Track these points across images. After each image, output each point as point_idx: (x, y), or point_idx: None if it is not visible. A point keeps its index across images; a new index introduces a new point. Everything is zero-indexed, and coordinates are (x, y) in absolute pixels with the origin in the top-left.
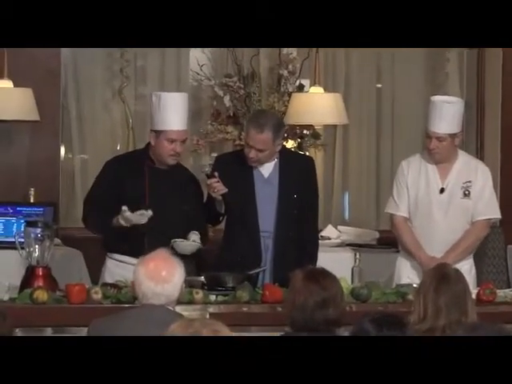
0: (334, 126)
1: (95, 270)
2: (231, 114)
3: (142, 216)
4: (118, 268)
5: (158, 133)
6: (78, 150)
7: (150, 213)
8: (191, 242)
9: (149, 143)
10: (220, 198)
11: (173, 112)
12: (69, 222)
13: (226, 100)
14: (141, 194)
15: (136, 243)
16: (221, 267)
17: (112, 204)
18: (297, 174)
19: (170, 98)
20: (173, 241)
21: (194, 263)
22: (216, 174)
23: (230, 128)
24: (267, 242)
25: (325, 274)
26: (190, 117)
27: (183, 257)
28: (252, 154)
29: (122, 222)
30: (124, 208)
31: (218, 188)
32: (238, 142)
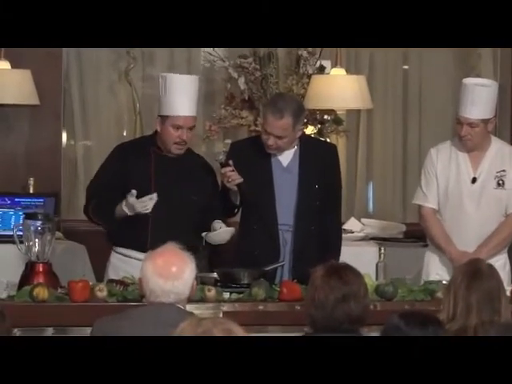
0: (358, 111)
1: (100, 265)
2: (246, 98)
3: (146, 203)
4: (123, 263)
5: (163, 118)
6: (81, 137)
7: (154, 196)
8: (224, 229)
9: (157, 130)
10: (235, 188)
11: (180, 96)
12: (71, 214)
13: (241, 82)
14: (146, 183)
15: (139, 235)
16: (235, 263)
17: (116, 193)
18: (319, 162)
19: (178, 81)
20: (204, 234)
21: (206, 258)
22: (231, 162)
23: (244, 113)
24: (286, 236)
25: (347, 269)
26: (202, 101)
27: (194, 252)
28: (271, 141)
29: (126, 209)
30: (133, 191)
31: (232, 177)
32: (253, 128)
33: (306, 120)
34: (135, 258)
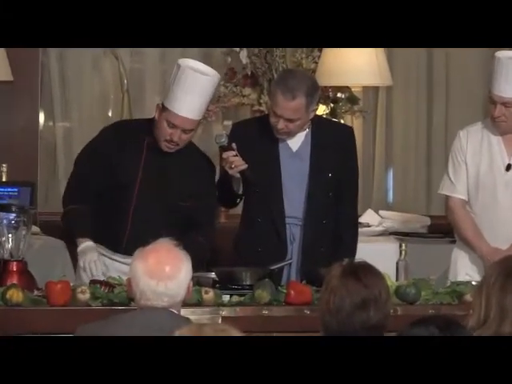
0: (375, 88)
1: None
2: (249, 73)
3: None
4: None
5: (163, 108)
6: (61, 117)
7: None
8: None
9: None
10: (238, 175)
11: (188, 93)
12: (49, 206)
13: (243, 56)
14: (131, 180)
15: (115, 236)
16: (236, 261)
17: (98, 190)
18: (333, 147)
19: (193, 77)
20: None
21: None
22: (234, 145)
23: (247, 90)
24: (294, 231)
25: (367, 269)
26: None
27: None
28: (281, 124)
29: (80, 249)
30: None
31: (236, 163)
32: (257, 108)
33: None
34: (109, 258)
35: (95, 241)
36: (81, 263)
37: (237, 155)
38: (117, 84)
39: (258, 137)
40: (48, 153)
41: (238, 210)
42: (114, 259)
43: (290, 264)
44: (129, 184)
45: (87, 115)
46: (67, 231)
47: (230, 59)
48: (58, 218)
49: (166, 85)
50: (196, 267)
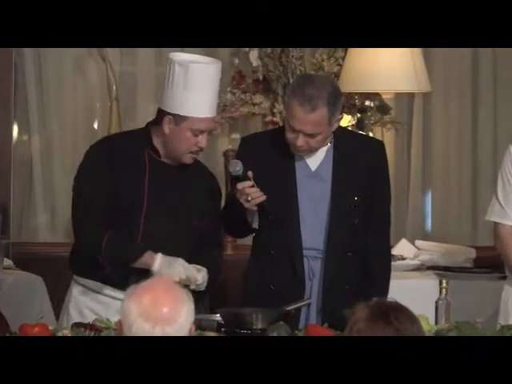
0: (411, 95)
1: (62, 304)
2: (260, 78)
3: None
4: (88, 299)
5: (177, 118)
6: (38, 130)
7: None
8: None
9: (150, 123)
10: (255, 208)
11: (204, 91)
12: (24, 235)
13: (253, 57)
14: (137, 200)
15: (119, 270)
16: (245, 300)
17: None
18: (359, 165)
19: (202, 71)
20: None
21: (206, 296)
22: (250, 173)
23: (258, 98)
24: (313, 265)
25: (398, 311)
26: None
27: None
28: (300, 141)
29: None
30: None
31: (253, 195)
32: (269, 119)
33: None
34: (105, 295)
35: (89, 277)
36: (176, 279)
37: (254, 186)
38: (104, 90)
39: (270, 153)
40: (22, 171)
41: (248, 239)
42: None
43: (309, 304)
44: (134, 206)
45: (69, 127)
46: (117, 260)
47: (237, 61)
48: (34, 248)
49: (168, 91)
50: (208, 285)
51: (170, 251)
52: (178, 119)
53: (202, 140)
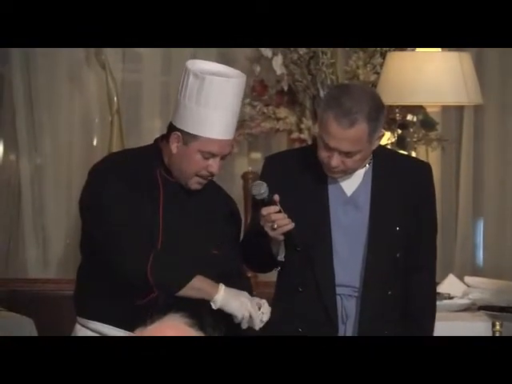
0: (460, 109)
1: None
2: (285, 88)
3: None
4: None
5: (187, 136)
6: (28, 149)
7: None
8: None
9: (158, 139)
10: (282, 237)
11: (221, 109)
12: (12, 271)
13: (277, 64)
14: (153, 228)
15: (130, 308)
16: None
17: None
18: (402, 190)
19: (220, 85)
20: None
21: (223, 331)
22: (276, 197)
23: (283, 111)
24: (348, 305)
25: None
26: None
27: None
28: (335, 161)
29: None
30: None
31: (280, 223)
32: (296, 135)
33: None
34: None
35: (101, 320)
36: (240, 316)
37: (280, 211)
38: (104, 102)
39: (300, 175)
40: (9, 197)
41: (271, 275)
42: None
43: None
44: (150, 234)
45: (63, 146)
46: (168, 281)
47: (258, 68)
48: (23, 286)
49: (179, 104)
50: None
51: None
52: (188, 138)
53: (214, 164)
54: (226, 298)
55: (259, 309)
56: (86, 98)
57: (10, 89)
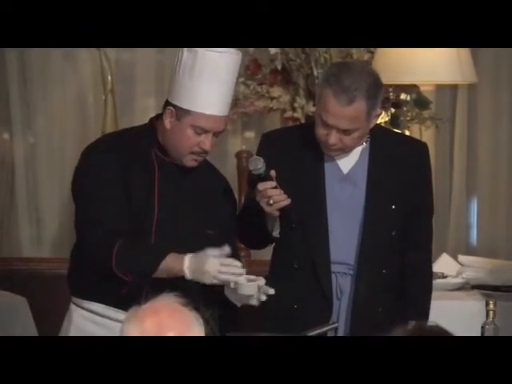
0: (454, 88)
1: (50, 328)
2: (278, 68)
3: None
4: (95, 326)
5: (180, 111)
6: (21, 128)
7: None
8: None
9: (153, 119)
10: (277, 213)
11: (214, 83)
12: (6, 250)
13: None
14: (147, 209)
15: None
16: (264, 323)
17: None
18: (398, 169)
19: (213, 59)
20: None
21: (217, 317)
22: (273, 173)
23: (276, 90)
24: (342, 282)
25: (440, 336)
26: None
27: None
28: (333, 138)
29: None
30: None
31: (276, 198)
32: (289, 114)
33: None
34: (114, 320)
35: (95, 299)
36: (209, 279)
37: (277, 187)
38: (97, 82)
39: (297, 152)
40: (3, 177)
41: (264, 254)
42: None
43: (336, 328)
44: (145, 215)
45: (57, 125)
46: (138, 264)
47: (252, 48)
48: (17, 265)
49: (174, 79)
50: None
51: None
52: (181, 113)
53: (206, 141)
54: (191, 270)
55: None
56: (80, 77)
57: (4, 68)
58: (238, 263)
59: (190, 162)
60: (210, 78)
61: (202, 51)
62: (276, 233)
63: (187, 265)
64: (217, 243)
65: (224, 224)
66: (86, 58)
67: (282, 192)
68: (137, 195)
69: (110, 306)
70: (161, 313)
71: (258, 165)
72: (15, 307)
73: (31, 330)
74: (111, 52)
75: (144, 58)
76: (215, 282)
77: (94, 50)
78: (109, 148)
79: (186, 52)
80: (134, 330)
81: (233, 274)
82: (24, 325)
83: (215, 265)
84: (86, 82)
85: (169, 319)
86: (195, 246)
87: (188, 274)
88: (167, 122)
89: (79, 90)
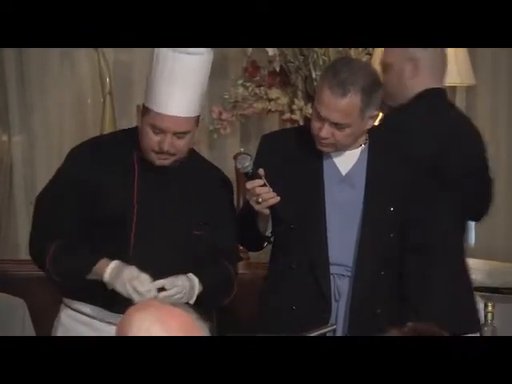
0: (452, 90)
1: (48, 329)
2: (277, 69)
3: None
4: (81, 326)
5: (144, 110)
6: (19, 130)
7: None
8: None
9: None
10: (267, 211)
11: (172, 83)
12: (3, 252)
13: None
14: (125, 211)
15: (108, 297)
16: (261, 324)
17: (81, 228)
18: (397, 171)
19: (174, 60)
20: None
21: (214, 317)
22: (261, 171)
23: (274, 92)
24: (340, 284)
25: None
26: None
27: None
28: (325, 131)
29: (108, 281)
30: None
31: (264, 196)
32: (288, 116)
33: None
34: (102, 321)
35: (84, 300)
36: (119, 288)
37: (265, 185)
38: (96, 83)
39: (296, 153)
40: (1, 179)
41: (263, 257)
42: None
43: (334, 330)
44: (122, 217)
45: (55, 127)
46: (69, 269)
47: (250, 49)
48: (15, 267)
49: (147, 77)
50: (214, 304)
51: (167, 269)
52: (144, 111)
53: (163, 141)
54: (111, 278)
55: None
56: (79, 79)
57: (2, 69)
58: (149, 285)
59: (158, 161)
60: (169, 78)
61: (165, 51)
62: (268, 232)
63: (108, 271)
64: (204, 244)
65: (214, 226)
66: (85, 59)
67: (271, 190)
68: (114, 198)
69: (98, 306)
70: (154, 312)
71: (246, 163)
72: (13, 309)
73: (29, 332)
74: (109, 54)
75: (142, 59)
76: (124, 292)
77: (92, 51)
78: (86, 151)
79: (155, 53)
80: (129, 332)
81: (137, 291)
82: (22, 327)
83: (127, 276)
84: (84, 84)
85: (165, 318)
86: (180, 246)
87: (106, 278)
88: (137, 120)
89: (77, 92)
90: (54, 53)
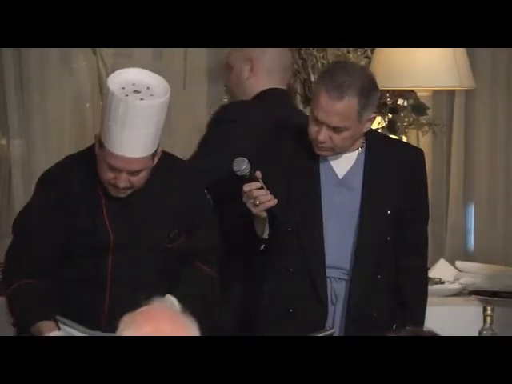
0: (451, 93)
1: None
2: None
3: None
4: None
5: (100, 143)
6: (18, 133)
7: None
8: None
9: None
10: (264, 214)
11: (126, 128)
12: (2, 253)
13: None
14: (97, 235)
15: (92, 306)
16: (257, 326)
17: (56, 255)
18: (394, 175)
19: (126, 106)
20: None
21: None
22: (258, 173)
23: None
24: (337, 287)
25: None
26: (206, 78)
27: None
28: (322, 135)
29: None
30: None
31: (261, 199)
32: None
33: None
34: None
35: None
36: None
37: (262, 187)
38: (95, 88)
39: (291, 157)
40: (0, 182)
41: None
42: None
43: (332, 334)
44: (97, 243)
45: (54, 131)
46: (19, 316)
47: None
48: None
49: (102, 115)
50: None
51: (145, 288)
52: (101, 143)
53: (119, 178)
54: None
55: None
56: (78, 83)
57: (1, 72)
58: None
59: (114, 193)
60: (122, 123)
61: (118, 94)
62: (265, 234)
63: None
64: (180, 253)
65: (187, 231)
66: (83, 63)
67: (268, 192)
68: (85, 225)
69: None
70: (157, 318)
71: (243, 165)
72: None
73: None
74: (108, 57)
75: (141, 63)
76: None
77: (91, 55)
78: (58, 175)
79: (109, 93)
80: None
81: None
82: None
83: None
84: (83, 88)
85: (166, 324)
86: (156, 261)
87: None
88: (96, 149)
89: (76, 95)
90: (53, 56)
